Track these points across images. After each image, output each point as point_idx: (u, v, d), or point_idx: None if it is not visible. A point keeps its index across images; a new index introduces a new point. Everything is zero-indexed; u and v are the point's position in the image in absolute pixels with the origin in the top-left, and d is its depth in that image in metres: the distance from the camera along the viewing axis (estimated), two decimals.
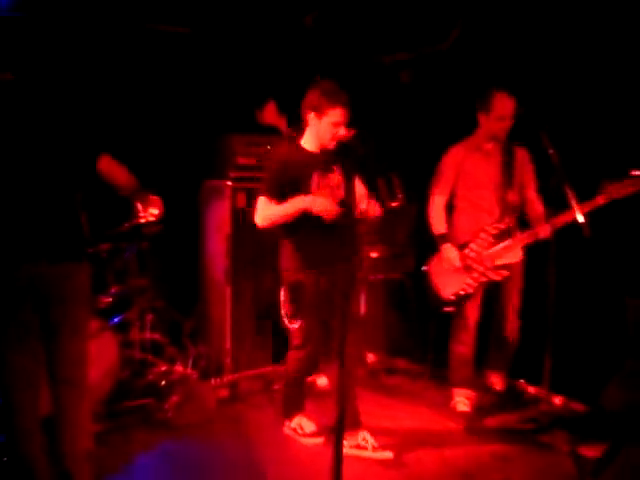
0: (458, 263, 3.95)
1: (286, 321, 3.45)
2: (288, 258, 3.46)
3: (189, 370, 4.10)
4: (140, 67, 4.64)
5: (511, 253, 3.94)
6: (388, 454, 3.43)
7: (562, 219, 3.69)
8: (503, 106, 3.86)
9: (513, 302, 4.08)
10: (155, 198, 2.99)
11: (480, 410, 4.01)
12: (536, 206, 4.00)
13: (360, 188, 3.53)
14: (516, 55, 4.40)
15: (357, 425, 3.48)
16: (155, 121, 4.72)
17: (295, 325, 3.43)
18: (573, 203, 3.52)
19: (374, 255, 4.81)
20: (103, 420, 3.58)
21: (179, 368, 4.05)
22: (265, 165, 3.56)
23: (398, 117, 5.09)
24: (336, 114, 3.30)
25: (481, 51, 4.66)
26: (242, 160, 4.42)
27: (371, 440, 3.46)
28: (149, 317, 4.13)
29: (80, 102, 2.80)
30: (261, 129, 4.66)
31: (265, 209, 3.37)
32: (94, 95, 3.95)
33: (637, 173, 3.54)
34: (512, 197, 3.95)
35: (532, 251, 4.00)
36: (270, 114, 4.75)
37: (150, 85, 4.69)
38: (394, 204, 4.74)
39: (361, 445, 3.45)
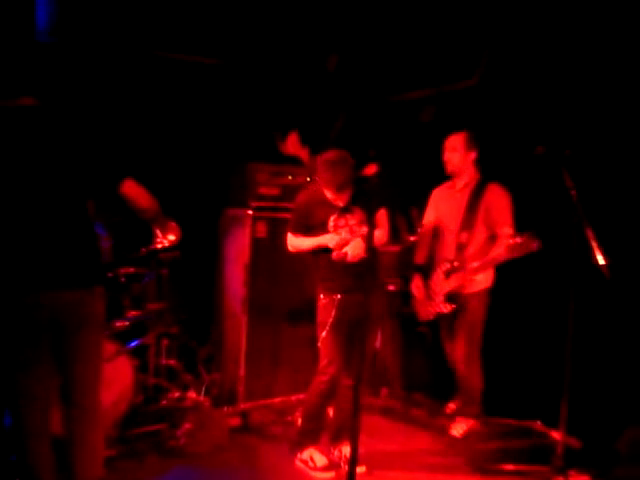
0: (415, 293, 4.32)
1: (318, 339, 3.64)
2: (317, 282, 3.72)
3: (202, 397, 4.10)
4: (165, 96, 4.72)
5: (458, 286, 4.13)
6: (361, 469, 3.46)
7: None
8: (446, 143, 4.25)
9: (461, 337, 4.19)
10: (173, 224, 3.03)
11: (494, 451, 3.96)
12: (497, 244, 4.06)
13: (381, 225, 3.76)
14: (540, 92, 4.43)
15: (339, 439, 3.74)
16: (178, 149, 4.79)
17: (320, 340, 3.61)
18: (594, 245, 3.49)
19: (391, 288, 4.81)
20: (115, 445, 3.58)
21: (192, 395, 4.05)
22: (293, 204, 3.82)
23: (418, 153, 5.12)
24: (331, 193, 3.58)
25: (504, 88, 4.69)
26: (263, 189, 4.45)
27: (346, 451, 3.58)
28: (165, 343, 4.15)
29: (101, 129, 2.85)
30: (283, 159, 4.71)
31: (292, 241, 3.75)
32: (115, 122, 4.02)
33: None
34: (464, 237, 4.14)
35: (552, 290, 3.99)
36: (292, 145, 4.80)
37: (175, 113, 4.77)
38: (413, 239, 4.75)
39: (335, 459, 3.70)
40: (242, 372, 4.30)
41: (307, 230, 3.69)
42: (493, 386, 4.26)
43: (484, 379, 4.21)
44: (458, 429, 4.22)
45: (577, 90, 4.27)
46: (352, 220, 3.64)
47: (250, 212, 4.38)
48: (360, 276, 3.50)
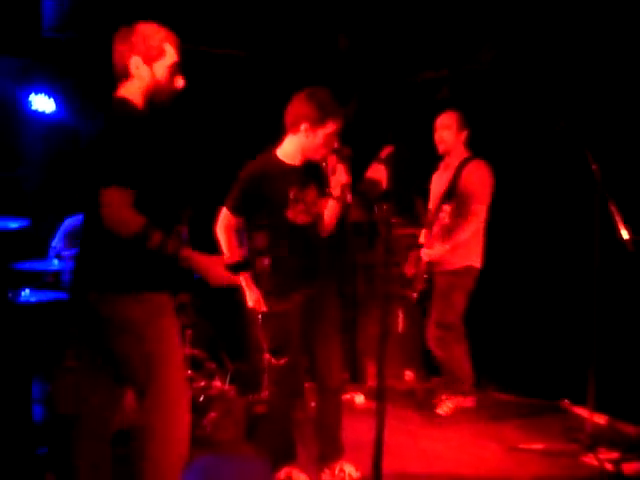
0: (406, 272, 4.37)
1: (269, 357, 3.20)
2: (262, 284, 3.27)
3: (227, 386, 4.11)
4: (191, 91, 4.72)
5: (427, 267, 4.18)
6: None
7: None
8: (437, 122, 4.27)
9: (432, 318, 4.23)
10: None
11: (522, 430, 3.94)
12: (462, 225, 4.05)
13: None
14: (558, 69, 4.36)
15: (337, 455, 3.26)
16: (204, 144, 4.79)
17: (280, 362, 3.15)
18: (617, 219, 3.44)
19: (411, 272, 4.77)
20: None
21: (217, 384, 4.06)
22: (238, 176, 3.19)
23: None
24: (334, 125, 3.05)
25: (521, 66, 4.62)
26: None
27: (349, 470, 3.21)
28: (188, 333, 4.16)
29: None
30: None
31: (221, 223, 3.23)
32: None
33: None
34: (441, 217, 4.07)
35: (576, 266, 3.95)
36: None
37: (198, 108, 4.76)
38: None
39: (338, 477, 3.21)
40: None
41: (247, 209, 3.15)
42: (519, 364, 4.25)
43: (471, 359, 4.18)
44: (444, 408, 4.20)
45: (596, 65, 4.20)
46: (310, 196, 3.14)
47: None
48: (310, 267, 3.14)
